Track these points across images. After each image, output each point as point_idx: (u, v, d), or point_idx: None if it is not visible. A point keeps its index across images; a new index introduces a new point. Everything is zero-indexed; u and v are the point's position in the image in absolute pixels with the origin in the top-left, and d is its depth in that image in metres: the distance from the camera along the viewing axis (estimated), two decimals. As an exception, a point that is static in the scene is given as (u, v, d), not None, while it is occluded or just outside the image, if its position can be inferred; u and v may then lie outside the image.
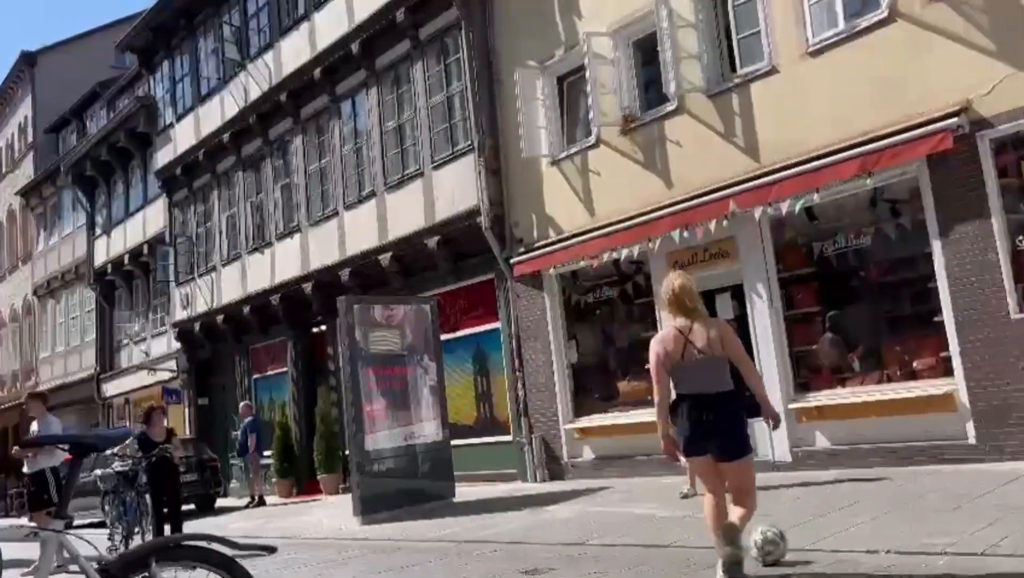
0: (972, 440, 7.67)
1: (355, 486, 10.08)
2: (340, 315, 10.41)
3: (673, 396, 4.61)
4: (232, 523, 13.13)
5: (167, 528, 9.57)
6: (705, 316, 4.65)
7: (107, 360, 24.31)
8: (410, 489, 10.35)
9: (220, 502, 16.81)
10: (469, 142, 12.54)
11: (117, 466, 10.72)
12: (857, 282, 8.87)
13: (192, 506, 15.14)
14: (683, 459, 4.78)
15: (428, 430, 10.81)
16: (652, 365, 4.62)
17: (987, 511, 5.47)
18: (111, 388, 24.03)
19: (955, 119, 7.60)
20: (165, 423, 10.30)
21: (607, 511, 7.83)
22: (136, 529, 10.07)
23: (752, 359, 5.26)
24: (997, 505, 5.64)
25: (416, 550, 7.52)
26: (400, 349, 10.78)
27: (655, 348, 4.60)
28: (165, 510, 9.75)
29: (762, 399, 4.63)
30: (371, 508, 9.90)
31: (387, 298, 11.92)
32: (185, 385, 20.21)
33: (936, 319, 8.00)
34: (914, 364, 8.28)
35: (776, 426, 4.73)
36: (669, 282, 4.72)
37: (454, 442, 11.68)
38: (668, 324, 4.77)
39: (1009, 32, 7.50)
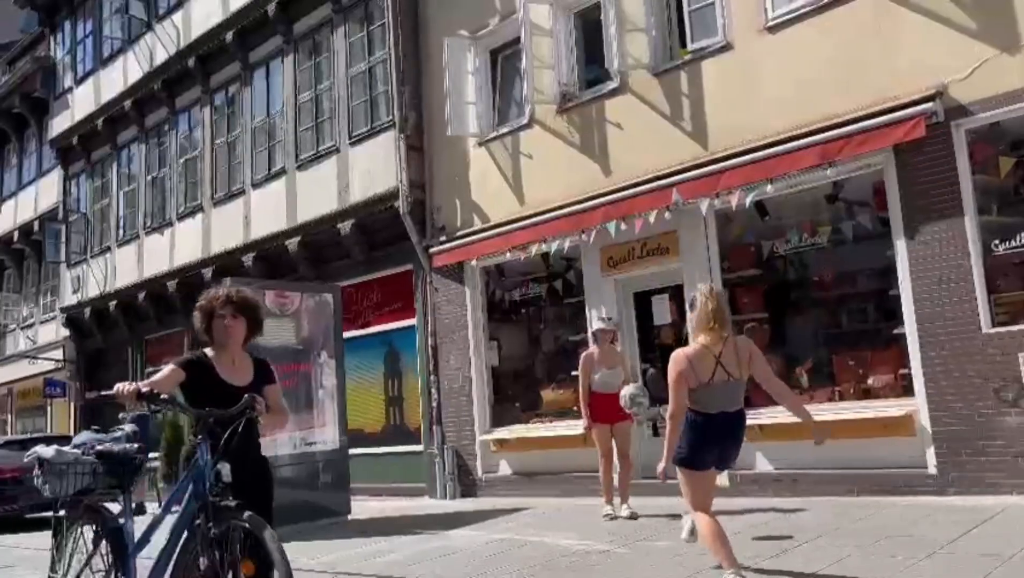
0: (932, 469, 6.76)
1: (230, 499, 8.66)
2: (224, 300, 8.99)
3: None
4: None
5: None
6: (733, 335, 4.45)
7: (-10, 347, 22.13)
8: (298, 503, 8.92)
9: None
10: (390, 117, 11.28)
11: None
12: (810, 286, 7.94)
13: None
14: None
15: (324, 437, 9.44)
16: (672, 379, 4.33)
17: (968, 562, 4.48)
18: (-7, 377, 21.86)
19: (929, 104, 6.71)
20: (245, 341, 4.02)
21: (515, 539, 6.64)
22: None
23: None
24: (977, 553, 4.66)
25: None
26: (295, 342, 9.42)
27: (680, 363, 4.31)
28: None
29: (807, 418, 4.60)
30: (248, 525, 8.50)
31: (280, 283, 10.53)
32: (73, 377, 18.32)
33: (897, 331, 7.10)
34: (870, 381, 7.35)
35: (821, 441, 4.59)
36: (705, 296, 4.44)
37: (360, 451, 10.44)
38: (694, 341, 4.47)
39: (991, 9, 6.64)
